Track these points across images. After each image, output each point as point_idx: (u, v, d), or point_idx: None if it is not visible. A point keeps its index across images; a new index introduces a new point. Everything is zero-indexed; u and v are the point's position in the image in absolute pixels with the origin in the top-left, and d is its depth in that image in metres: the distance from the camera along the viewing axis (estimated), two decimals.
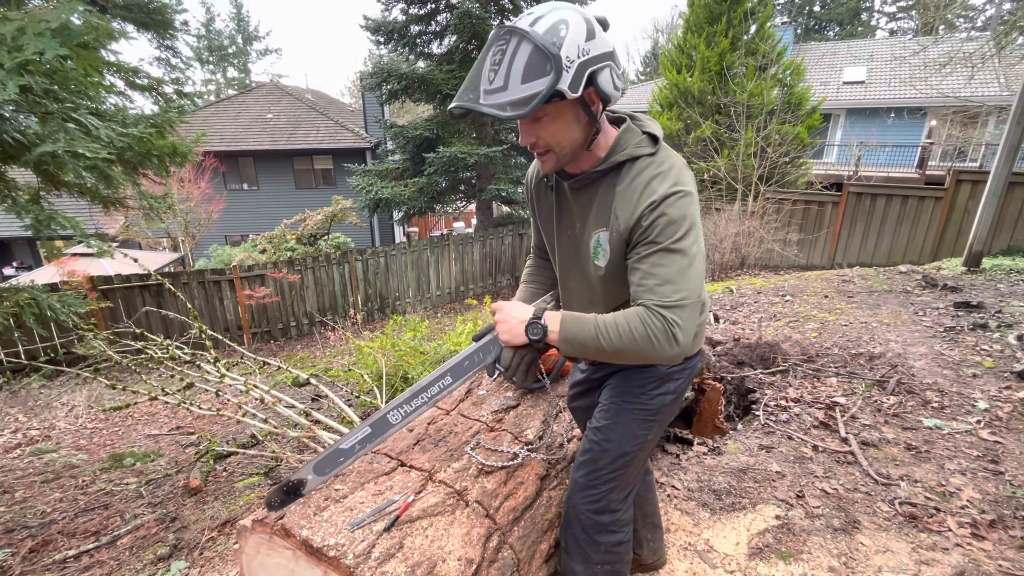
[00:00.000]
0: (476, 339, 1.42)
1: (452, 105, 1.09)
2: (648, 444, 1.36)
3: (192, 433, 4.66)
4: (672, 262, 1.08)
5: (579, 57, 1.02)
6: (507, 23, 1.04)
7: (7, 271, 13.81)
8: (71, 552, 2.57)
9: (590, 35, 1.04)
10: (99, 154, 2.39)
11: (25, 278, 7.98)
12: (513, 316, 1.23)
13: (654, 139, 1.18)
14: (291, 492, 1.27)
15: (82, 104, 2.60)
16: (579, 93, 1.04)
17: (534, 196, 1.44)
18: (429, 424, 1.66)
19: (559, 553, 1.46)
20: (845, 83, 17.62)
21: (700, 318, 1.29)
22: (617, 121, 1.23)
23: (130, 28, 4.63)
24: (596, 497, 1.32)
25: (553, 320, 1.17)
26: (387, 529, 1.18)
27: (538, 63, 0.99)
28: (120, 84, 4.32)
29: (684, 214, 1.09)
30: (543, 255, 1.63)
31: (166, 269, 11.17)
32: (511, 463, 1.49)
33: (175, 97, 4.83)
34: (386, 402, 2.82)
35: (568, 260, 1.36)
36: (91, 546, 2.61)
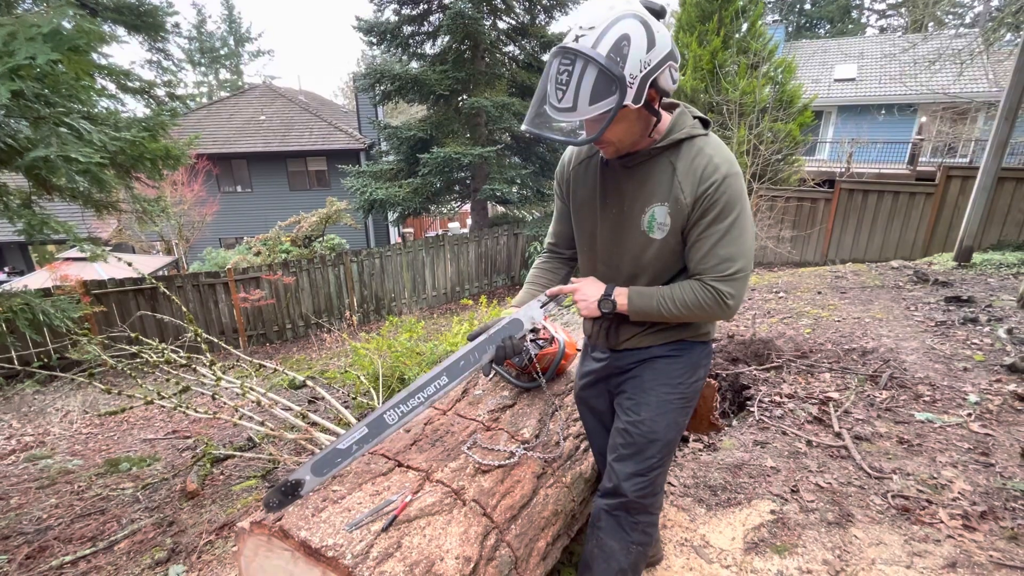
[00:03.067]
0: (471, 339, 1.43)
1: (524, 127, 1.20)
2: (683, 427, 1.45)
3: (188, 437, 4.65)
4: (731, 241, 1.21)
5: (641, 71, 1.08)
6: (571, 43, 1.07)
7: None
8: (68, 558, 2.56)
9: (651, 44, 1.08)
10: (92, 158, 2.38)
11: (18, 283, 7.93)
12: (589, 294, 1.38)
13: (705, 123, 1.28)
14: (289, 493, 1.28)
15: (74, 108, 2.58)
16: (642, 103, 1.10)
17: (571, 178, 1.46)
18: (426, 424, 1.67)
19: (588, 533, 1.49)
20: (836, 80, 17.72)
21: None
22: (669, 107, 1.31)
23: (121, 31, 4.62)
24: (645, 483, 1.39)
25: (621, 295, 1.34)
26: (385, 529, 1.19)
27: (604, 85, 1.06)
28: (112, 87, 4.31)
29: (741, 193, 1.21)
30: (561, 247, 1.64)
31: (160, 272, 11.11)
32: (508, 462, 1.50)
33: (167, 100, 4.82)
34: (383, 403, 2.83)
35: (612, 237, 1.38)
36: (88, 551, 2.60)
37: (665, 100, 1.27)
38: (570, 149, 1.47)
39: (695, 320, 1.35)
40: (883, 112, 16.76)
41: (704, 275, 1.24)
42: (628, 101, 1.08)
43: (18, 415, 6.25)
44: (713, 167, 1.19)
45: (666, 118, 1.26)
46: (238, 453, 3.37)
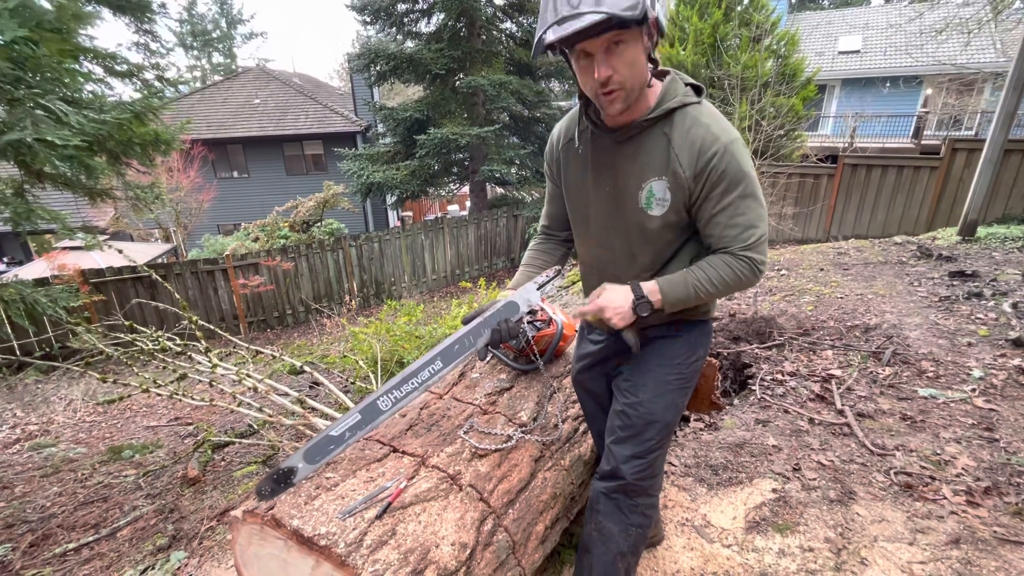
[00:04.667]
0: (465, 322, 1.39)
1: (543, 33, 1.05)
2: (683, 408, 1.42)
3: (190, 424, 4.66)
4: (747, 208, 1.18)
5: None
6: None
7: None
8: (71, 545, 2.57)
9: None
10: (70, 141, 2.31)
11: (11, 274, 7.90)
12: (619, 303, 1.26)
13: (698, 90, 1.22)
14: (281, 481, 1.26)
15: (51, 89, 2.49)
16: (655, 13, 1.06)
17: (561, 157, 1.40)
18: (422, 409, 1.64)
19: (586, 516, 1.46)
20: (840, 53, 17.36)
21: None
22: (659, 75, 1.24)
23: (105, 12, 4.48)
24: (644, 466, 1.37)
25: (653, 293, 1.25)
26: (379, 516, 1.17)
27: None
28: (99, 71, 4.20)
29: (745, 159, 1.16)
30: (555, 229, 1.58)
31: (159, 260, 11.07)
32: (505, 445, 1.47)
33: (156, 83, 4.71)
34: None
35: (607, 218, 1.32)
36: (91, 539, 2.61)
37: (655, 68, 1.20)
38: (558, 128, 1.41)
39: (730, 294, 1.32)
40: (888, 85, 16.47)
41: (731, 247, 1.20)
42: (647, 8, 1.01)
43: (21, 404, 6.27)
44: (712, 138, 1.14)
45: (657, 86, 1.20)
46: (238, 439, 3.37)
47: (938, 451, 2.26)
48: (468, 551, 1.19)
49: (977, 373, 2.85)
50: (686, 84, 1.21)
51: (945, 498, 1.98)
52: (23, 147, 2.29)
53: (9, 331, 7.00)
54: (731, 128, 1.17)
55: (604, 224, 1.33)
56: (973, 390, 2.71)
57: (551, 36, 1.04)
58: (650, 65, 1.15)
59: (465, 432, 1.49)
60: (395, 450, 1.42)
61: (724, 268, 1.21)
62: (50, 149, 2.31)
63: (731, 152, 1.14)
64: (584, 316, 1.32)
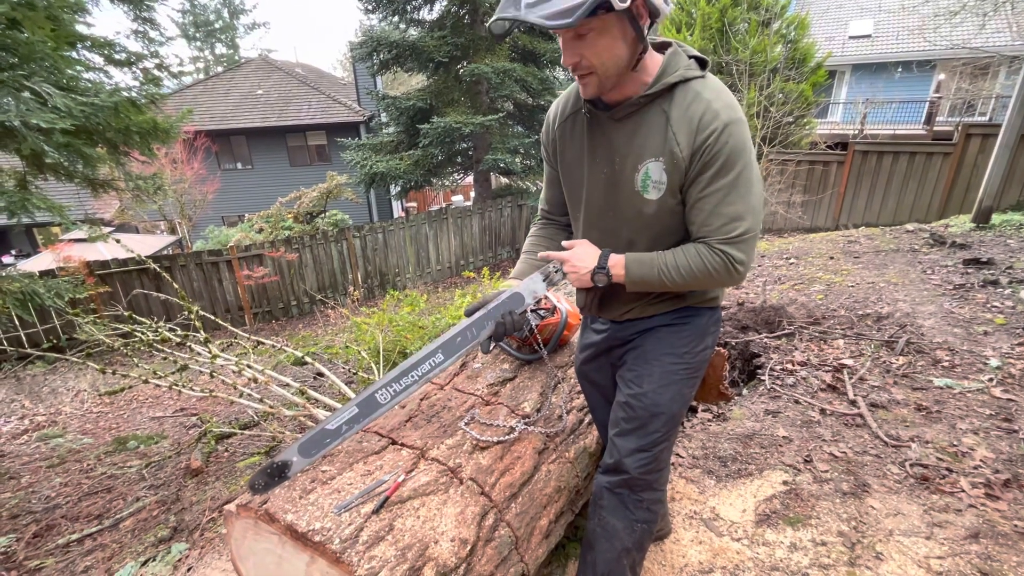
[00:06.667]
0: (468, 313, 1.34)
1: (493, 19, 1.04)
2: (690, 399, 1.36)
3: (195, 414, 4.66)
4: (737, 198, 1.08)
5: None
6: None
7: (6, 260, 13.75)
8: (74, 536, 2.56)
9: None
10: (55, 124, 2.24)
11: (9, 267, 7.94)
12: (582, 265, 1.24)
13: (702, 63, 1.13)
14: (276, 474, 1.22)
15: (37, 72, 2.42)
16: (627, 3, 0.96)
17: (557, 137, 1.33)
18: (422, 400, 1.59)
19: (590, 511, 1.41)
20: (851, 37, 17.01)
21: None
22: (661, 47, 1.16)
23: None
24: (649, 459, 1.31)
25: (618, 266, 1.20)
26: (376, 511, 1.12)
27: None
28: (98, 60, 4.15)
29: (745, 143, 1.07)
30: (555, 214, 1.52)
31: (165, 252, 11.09)
32: (507, 437, 1.43)
33: (156, 72, 4.66)
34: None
35: (604, 201, 1.25)
36: (94, 530, 2.60)
37: (657, 39, 1.13)
38: (555, 107, 1.33)
39: (700, 288, 1.23)
40: (900, 70, 16.14)
41: (710, 238, 1.11)
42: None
43: (30, 395, 6.31)
44: (712, 114, 1.05)
45: (657, 59, 1.12)
46: (240, 431, 3.36)
47: (955, 442, 2.19)
48: (469, 547, 1.15)
49: (994, 362, 2.77)
50: (689, 57, 1.13)
51: (963, 491, 1.92)
52: (10, 131, 2.23)
53: (17, 323, 7.03)
54: (735, 105, 1.08)
55: (600, 208, 1.27)
56: (990, 380, 2.63)
57: (507, 18, 1.00)
58: (642, 44, 1.06)
59: (466, 424, 1.45)
60: (394, 442, 1.38)
61: (695, 259, 1.13)
62: (39, 134, 2.25)
63: (730, 132, 1.04)
64: (548, 260, 1.33)
